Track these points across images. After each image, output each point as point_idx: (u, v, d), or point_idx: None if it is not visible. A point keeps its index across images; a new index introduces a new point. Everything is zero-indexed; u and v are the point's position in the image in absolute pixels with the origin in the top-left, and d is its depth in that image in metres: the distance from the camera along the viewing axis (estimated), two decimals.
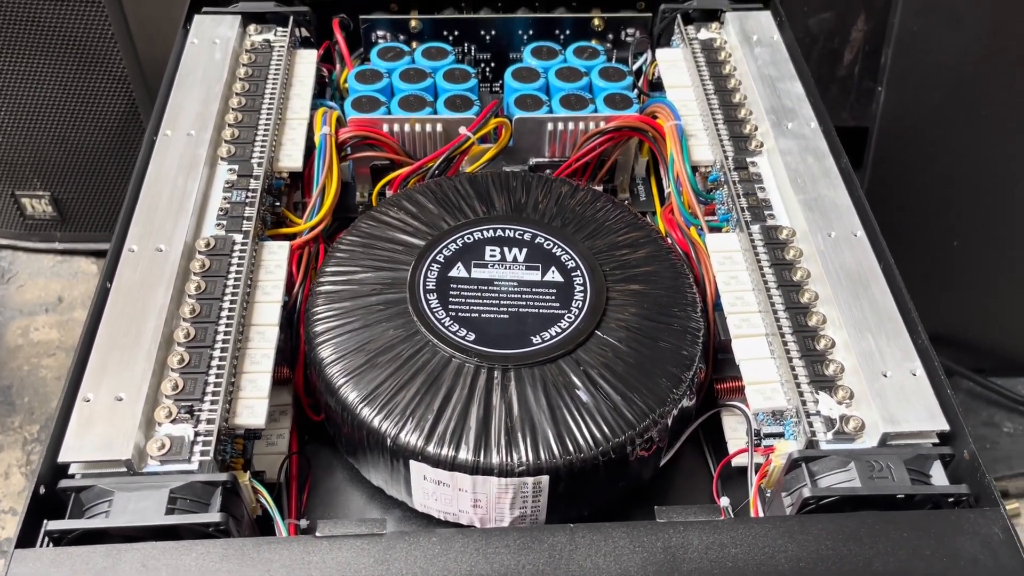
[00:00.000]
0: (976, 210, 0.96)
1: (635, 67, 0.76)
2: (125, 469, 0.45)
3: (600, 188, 0.68)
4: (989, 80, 0.91)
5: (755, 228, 0.59)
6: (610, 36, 0.76)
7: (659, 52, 0.74)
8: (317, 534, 0.43)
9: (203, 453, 0.46)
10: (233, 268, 0.55)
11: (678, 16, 0.74)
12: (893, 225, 0.96)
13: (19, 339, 1.09)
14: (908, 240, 0.96)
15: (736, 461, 0.54)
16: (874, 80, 0.93)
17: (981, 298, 1.00)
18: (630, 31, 0.76)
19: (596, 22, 0.75)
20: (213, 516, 0.44)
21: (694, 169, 0.65)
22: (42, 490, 0.45)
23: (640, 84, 0.75)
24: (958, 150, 0.94)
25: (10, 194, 1.10)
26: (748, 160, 0.63)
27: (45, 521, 0.43)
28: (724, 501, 0.52)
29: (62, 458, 0.45)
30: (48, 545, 0.43)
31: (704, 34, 0.73)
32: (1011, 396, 1.02)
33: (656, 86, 0.74)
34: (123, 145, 1.06)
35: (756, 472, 0.51)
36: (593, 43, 0.74)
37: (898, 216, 0.96)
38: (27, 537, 0.43)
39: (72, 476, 0.45)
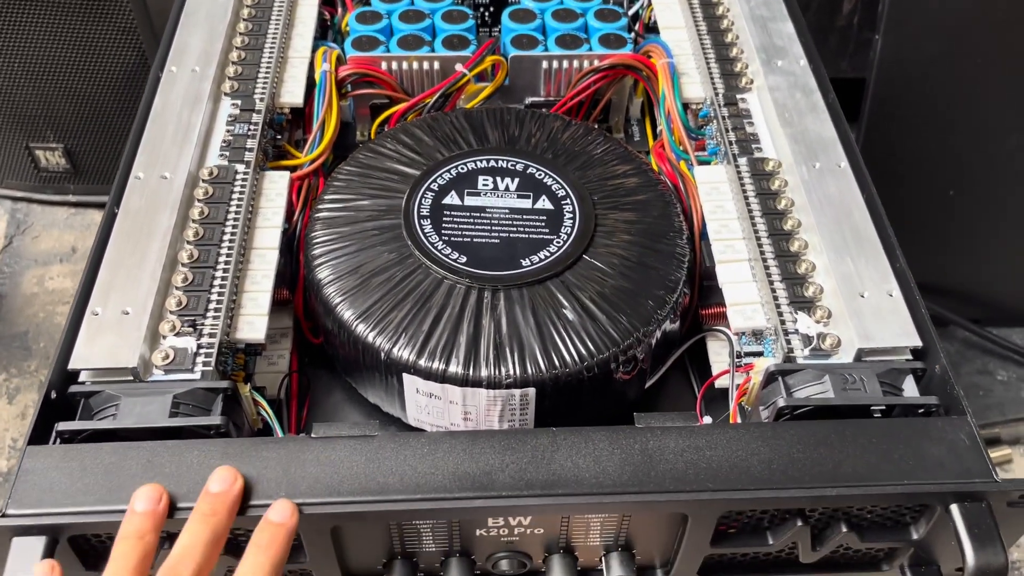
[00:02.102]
0: (973, 160, 0.97)
1: (631, 12, 0.77)
2: (131, 377, 0.48)
3: None
4: (986, 29, 0.91)
5: (742, 161, 0.60)
6: None
7: None
8: (312, 435, 0.46)
9: (205, 364, 0.49)
10: (235, 195, 0.57)
11: None
12: (890, 174, 0.97)
13: (35, 287, 1.12)
14: (905, 190, 0.98)
15: (719, 383, 0.56)
16: (873, 30, 0.94)
17: (977, 248, 1.01)
18: None
19: None
20: (214, 419, 0.46)
21: (685, 106, 0.66)
22: (53, 394, 0.47)
23: (636, 28, 0.76)
24: (955, 99, 0.94)
25: (24, 146, 1.13)
26: (738, 97, 0.64)
27: (56, 423, 0.46)
28: (707, 420, 0.54)
29: (72, 365, 0.48)
30: (59, 444, 0.45)
31: None
32: (1005, 345, 1.03)
33: (652, 30, 0.76)
34: (133, 97, 1.08)
35: (736, 390, 0.53)
36: None
37: (895, 166, 0.97)
38: (39, 436, 0.45)
39: (82, 383, 0.48)
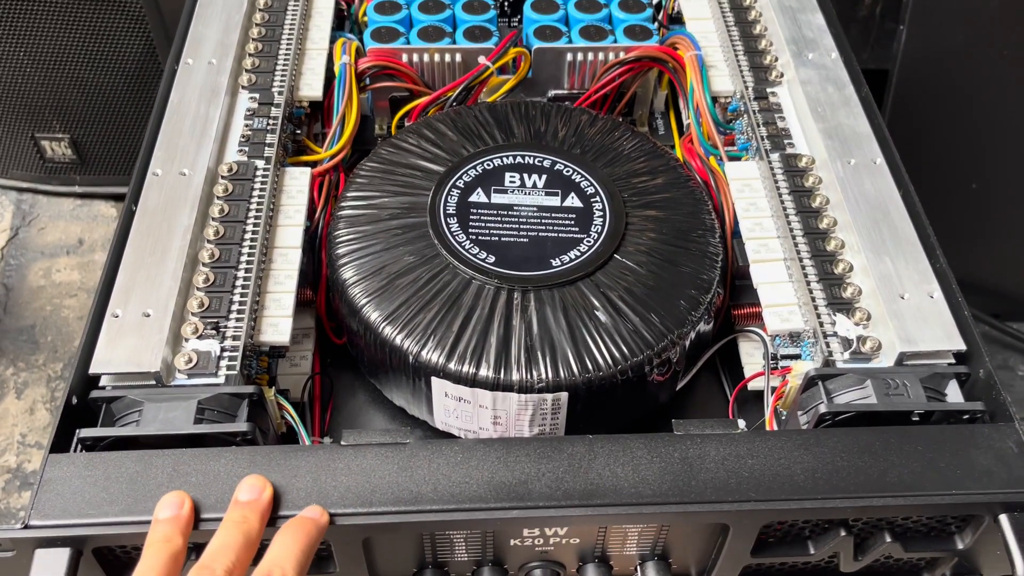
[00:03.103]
0: (995, 152, 0.95)
1: (655, 1, 0.75)
2: (154, 382, 0.47)
3: None
4: (1012, 20, 0.89)
5: (774, 156, 0.59)
6: None
7: None
8: (342, 442, 0.44)
9: (229, 367, 0.47)
10: (256, 192, 0.55)
11: None
12: (911, 167, 0.96)
13: (41, 280, 1.11)
14: (926, 182, 0.96)
15: (752, 385, 0.55)
16: (895, 20, 0.92)
17: (999, 242, 1.00)
18: None
19: None
20: (241, 425, 0.45)
21: (714, 100, 0.64)
22: (74, 400, 0.46)
23: (660, 18, 0.74)
24: (979, 92, 0.93)
25: (30, 136, 1.11)
26: (768, 90, 0.63)
27: (78, 430, 0.44)
28: (740, 423, 0.53)
29: (93, 370, 0.46)
30: (80, 451, 0.44)
31: None
32: None
33: (676, 20, 0.74)
34: (141, 87, 1.05)
35: (772, 394, 0.52)
36: None
37: (917, 158, 0.95)
38: (61, 443, 0.44)
39: (103, 388, 0.46)
